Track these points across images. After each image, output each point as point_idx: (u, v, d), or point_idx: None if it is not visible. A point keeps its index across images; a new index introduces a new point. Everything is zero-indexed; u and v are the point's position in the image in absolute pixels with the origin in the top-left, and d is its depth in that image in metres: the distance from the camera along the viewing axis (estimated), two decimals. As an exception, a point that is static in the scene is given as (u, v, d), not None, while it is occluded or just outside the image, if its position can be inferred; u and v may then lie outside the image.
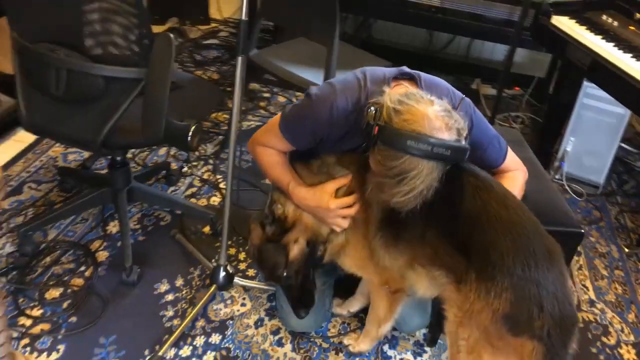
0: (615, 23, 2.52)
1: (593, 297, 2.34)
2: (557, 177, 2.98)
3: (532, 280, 1.39)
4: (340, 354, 1.96)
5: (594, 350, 2.12)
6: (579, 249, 2.57)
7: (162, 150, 2.82)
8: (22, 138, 2.77)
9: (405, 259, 1.57)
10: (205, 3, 4.13)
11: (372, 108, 1.39)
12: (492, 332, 1.41)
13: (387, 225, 1.57)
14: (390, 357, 1.98)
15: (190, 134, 1.88)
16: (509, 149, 1.75)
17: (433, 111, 1.36)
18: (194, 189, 2.61)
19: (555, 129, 2.97)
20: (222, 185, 2.63)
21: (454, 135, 1.37)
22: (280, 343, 1.97)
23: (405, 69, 1.63)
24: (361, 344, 1.95)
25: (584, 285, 2.40)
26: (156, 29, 3.78)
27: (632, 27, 2.47)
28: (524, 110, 3.64)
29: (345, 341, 1.98)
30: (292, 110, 1.63)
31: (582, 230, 1.88)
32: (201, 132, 1.96)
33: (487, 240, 1.44)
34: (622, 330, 2.21)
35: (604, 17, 2.57)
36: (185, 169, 2.72)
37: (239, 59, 1.65)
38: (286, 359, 1.92)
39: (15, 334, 1.86)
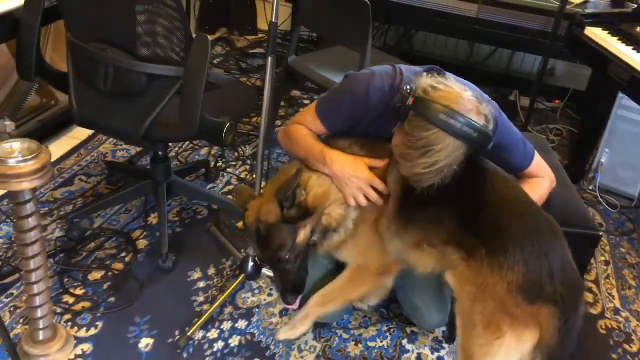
0: (650, 35, 2.54)
1: (618, 305, 2.35)
2: (590, 188, 2.99)
3: (541, 252, 1.49)
4: (359, 345, 2.04)
5: (614, 356, 2.13)
6: (607, 257, 2.59)
7: (204, 150, 2.98)
8: (77, 135, 2.98)
9: (414, 241, 1.65)
10: (253, 14, 4.31)
11: (408, 87, 1.51)
12: (509, 302, 1.48)
13: (402, 213, 1.65)
14: (409, 350, 2.05)
15: (224, 130, 2.02)
16: (537, 154, 1.82)
17: (467, 94, 1.47)
18: (230, 187, 2.75)
19: (590, 140, 2.98)
20: (258, 184, 2.76)
21: (482, 121, 1.46)
22: (302, 332, 2.07)
23: (437, 67, 1.71)
24: (301, 327, 1.88)
25: (609, 294, 2.40)
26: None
27: (666, 39, 2.49)
28: (562, 122, 3.65)
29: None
30: (329, 92, 1.77)
31: (600, 233, 1.92)
32: (235, 129, 2.09)
33: (496, 218, 1.55)
34: (646, 339, 2.21)
35: (638, 29, 2.59)
36: (220, 163, 2.88)
37: (269, 58, 1.78)
38: (307, 346, 2.02)
39: (58, 310, 2.01)
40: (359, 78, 1.72)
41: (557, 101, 3.83)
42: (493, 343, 1.50)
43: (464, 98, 1.46)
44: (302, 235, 1.69)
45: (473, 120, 1.43)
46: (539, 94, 3.82)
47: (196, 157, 2.93)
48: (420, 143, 1.42)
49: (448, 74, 1.66)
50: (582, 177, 3.03)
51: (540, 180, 1.80)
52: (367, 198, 1.70)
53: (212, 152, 2.97)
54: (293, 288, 1.77)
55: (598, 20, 2.67)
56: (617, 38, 2.53)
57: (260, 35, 4.33)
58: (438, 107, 1.43)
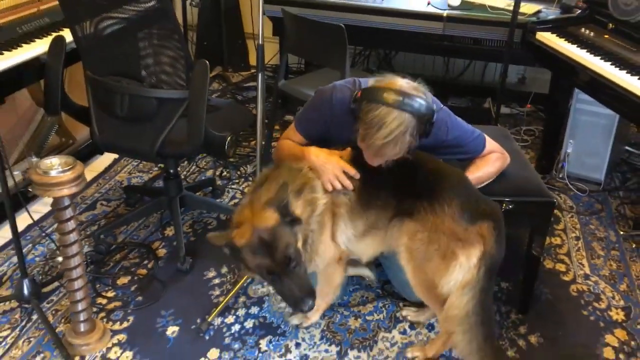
0: (592, 34, 2.88)
1: (588, 272, 2.63)
2: (560, 176, 3.30)
3: (465, 188, 1.98)
4: (359, 319, 2.33)
5: (585, 312, 2.40)
6: (578, 234, 2.88)
7: (209, 172, 3.31)
8: (95, 167, 3.32)
9: (365, 228, 2.03)
10: (245, 52, 4.68)
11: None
12: (457, 230, 1.87)
13: (360, 203, 2.00)
14: (402, 321, 2.33)
15: (227, 143, 2.35)
16: (487, 138, 2.15)
17: (403, 81, 1.85)
18: (235, 200, 3.06)
19: (555, 134, 3.30)
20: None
21: (422, 96, 1.82)
22: (308, 312, 2.35)
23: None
24: (313, 317, 2.27)
25: (580, 263, 2.68)
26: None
27: (606, 36, 2.83)
28: (535, 124, 3.98)
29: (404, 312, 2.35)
30: (303, 107, 2.13)
31: (554, 200, 2.23)
32: (236, 144, 2.43)
33: (428, 182, 1.96)
34: (613, 297, 2.48)
35: (582, 29, 2.94)
36: (225, 173, 3.27)
37: (259, 75, 2.12)
38: (313, 324, 2.30)
39: (94, 309, 2.31)
40: (324, 91, 2.08)
41: (529, 106, 4.17)
42: (450, 267, 1.87)
43: (402, 83, 1.83)
44: (299, 237, 1.86)
45: (412, 95, 1.78)
46: (513, 100, 4.18)
47: (203, 177, 3.26)
48: (375, 121, 1.76)
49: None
50: (552, 167, 3.34)
51: (488, 157, 2.14)
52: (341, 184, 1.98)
53: (217, 172, 3.30)
54: (308, 291, 1.86)
55: (547, 26, 3.03)
56: (564, 39, 2.88)
57: (252, 70, 4.70)
58: (380, 88, 1.81)
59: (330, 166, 1.96)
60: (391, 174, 1.91)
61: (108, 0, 2.22)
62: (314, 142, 2.10)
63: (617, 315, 2.39)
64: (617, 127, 3.10)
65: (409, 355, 2.16)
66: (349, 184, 1.97)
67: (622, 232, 2.88)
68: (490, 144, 2.17)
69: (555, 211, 3.04)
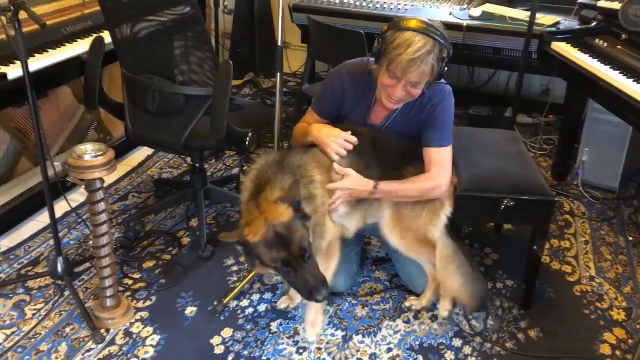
0: (605, 44, 2.97)
1: (594, 274, 2.70)
2: (574, 184, 3.37)
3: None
4: (366, 308, 2.46)
5: (586, 311, 2.48)
6: (587, 238, 2.95)
7: (235, 170, 3.49)
8: (129, 162, 3.55)
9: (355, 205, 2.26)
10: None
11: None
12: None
13: None
14: (407, 311, 2.45)
15: (248, 138, 2.52)
16: (448, 154, 2.23)
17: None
18: (258, 196, 3.23)
19: (569, 142, 3.38)
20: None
21: (442, 29, 2.07)
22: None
23: None
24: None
25: (587, 266, 2.76)
26: (236, 82, 4.61)
27: (619, 47, 2.91)
28: (556, 134, 4.04)
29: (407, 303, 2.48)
30: (319, 89, 2.36)
31: (555, 199, 2.33)
32: (258, 140, 2.60)
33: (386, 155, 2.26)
34: (616, 299, 2.55)
35: (597, 40, 3.02)
36: (245, 167, 3.46)
37: (278, 75, 2.29)
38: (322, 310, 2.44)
39: (120, 289, 2.49)
40: (334, 70, 2.33)
41: (551, 117, 4.24)
42: (441, 215, 2.22)
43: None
44: (310, 230, 1.98)
45: (434, 24, 2.03)
46: (536, 110, 4.26)
47: (229, 174, 3.45)
48: (402, 42, 1.98)
49: None
50: (567, 174, 3.41)
51: (425, 177, 2.21)
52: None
53: (244, 169, 3.50)
54: (322, 281, 1.93)
55: (563, 36, 3.13)
56: (577, 49, 2.97)
57: (284, 78, 4.89)
58: (405, 20, 2.05)
59: (333, 137, 2.17)
60: (373, 154, 2.24)
61: (145, 6, 2.43)
62: (329, 120, 2.30)
63: (619, 315, 2.45)
64: (631, 137, 3.15)
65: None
66: (350, 146, 2.18)
67: (631, 238, 2.94)
68: (445, 158, 2.22)
69: (567, 216, 3.13)
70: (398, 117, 2.30)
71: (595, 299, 2.55)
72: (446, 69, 2.08)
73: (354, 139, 2.18)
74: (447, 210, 2.27)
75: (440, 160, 2.20)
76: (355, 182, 2.16)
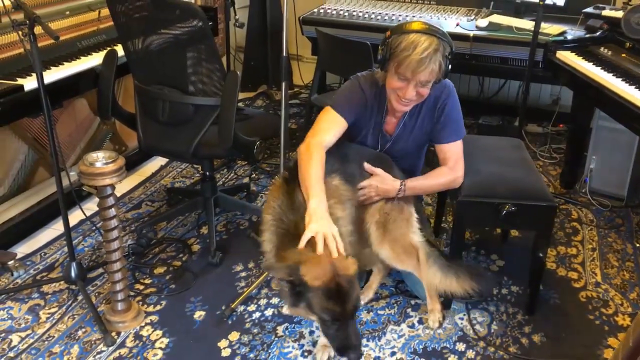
0: (610, 52, 2.99)
1: (600, 280, 2.71)
2: (583, 191, 3.38)
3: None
4: (371, 313, 2.49)
5: (591, 317, 2.49)
6: (594, 245, 2.96)
7: (246, 179, 3.56)
8: (143, 172, 3.63)
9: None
10: (289, 72, 4.96)
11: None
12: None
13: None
14: (412, 316, 2.48)
15: (255, 147, 2.59)
16: (461, 146, 2.35)
17: None
18: (268, 204, 3.30)
19: (577, 150, 3.40)
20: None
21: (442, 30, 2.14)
22: (324, 304, 2.54)
23: None
24: None
25: (593, 272, 2.77)
26: (249, 94, 4.69)
27: (624, 55, 2.94)
28: (564, 142, 4.06)
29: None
30: (337, 95, 2.40)
31: (556, 204, 2.35)
32: (265, 149, 2.66)
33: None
34: (622, 304, 2.56)
35: (602, 49, 3.05)
36: (254, 175, 3.55)
37: (283, 83, 2.36)
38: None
39: (131, 293, 2.56)
40: (352, 80, 2.36)
41: (561, 125, 4.25)
42: (413, 221, 2.28)
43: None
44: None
45: (435, 26, 2.11)
46: (546, 120, 4.27)
47: (239, 182, 3.52)
48: (408, 45, 2.05)
49: None
50: (575, 182, 3.43)
51: (444, 171, 2.34)
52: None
53: (253, 177, 3.57)
54: (360, 340, 1.90)
55: (568, 45, 3.16)
56: (581, 57, 3.01)
57: (295, 89, 4.98)
58: (406, 24, 2.12)
59: (325, 226, 1.94)
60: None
61: (157, 21, 2.51)
62: (347, 121, 2.28)
63: (624, 320, 2.46)
64: (638, 144, 3.16)
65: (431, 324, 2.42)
66: (330, 252, 1.89)
67: (638, 245, 2.95)
68: (457, 149, 2.35)
69: (575, 224, 3.15)
70: (407, 122, 2.36)
71: (601, 304, 2.56)
72: (450, 66, 2.14)
73: (335, 250, 1.89)
74: (414, 215, 2.33)
75: (457, 153, 2.33)
76: (383, 180, 2.27)
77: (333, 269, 1.82)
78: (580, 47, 3.13)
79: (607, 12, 3.11)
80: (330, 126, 2.26)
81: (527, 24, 3.52)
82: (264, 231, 2.12)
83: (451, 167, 2.33)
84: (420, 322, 2.45)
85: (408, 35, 2.06)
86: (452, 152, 2.33)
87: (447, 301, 2.48)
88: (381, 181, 2.27)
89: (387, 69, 2.16)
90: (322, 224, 1.92)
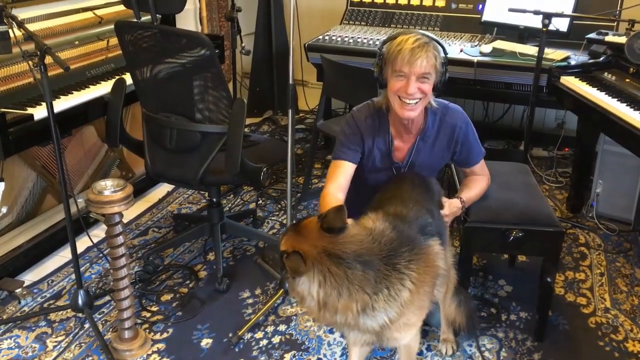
0: (614, 78, 3.01)
1: (609, 306, 2.69)
2: (589, 215, 3.38)
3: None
4: (379, 340, 2.48)
5: (601, 343, 2.47)
6: (602, 270, 2.95)
7: (252, 205, 3.57)
8: (150, 199, 3.65)
9: None
10: (295, 99, 5.00)
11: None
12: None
13: None
14: (420, 343, 2.46)
15: (262, 173, 2.60)
16: (483, 161, 2.42)
17: None
18: (274, 230, 3.30)
19: (583, 174, 3.40)
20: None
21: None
22: (331, 331, 2.52)
23: None
24: None
25: (602, 298, 2.75)
26: (254, 120, 4.72)
27: (627, 80, 2.96)
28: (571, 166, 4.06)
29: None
30: (336, 137, 2.38)
31: (563, 230, 2.35)
32: (271, 175, 2.67)
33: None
34: (631, 330, 2.54)
35: (605, 74, 3.07)
36: (260, 201, 3.55)
37: (290, 111, 2.38)
38: (335, 342, 2.47)
39: (138, 321, 2.56)
40: (345, 116, 2.42)
41: (567, 149, 4.26)
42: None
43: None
44: None
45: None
46: (551, 144, 4.28)
47: (246, 208, 3.53)
48: (399, 41, 2.10)
49: None
50: (582, 206, 3.42)
51: (481, 178, 2.45)
52: None
53: (259, 203, 3.57)
54: None
55: (572, 70, 3.18)
56: (585, 82, 3.02)
57: (301, 114, 5.01)
58: (395, 33, 2.15)
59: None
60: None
61: (164, 50, 2.54)
62: (355, 163, 2.28)
63: (634, 347, 2.44)
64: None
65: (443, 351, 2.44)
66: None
67: (647, 271, 2.94)
68: (482, 165, 2.46)
69: (583, 248, 3.13)
70: (420, 146, 2.30)
71: (610, 330, 2.54)
72: (447, 74, 2.18)
73: None
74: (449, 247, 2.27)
75: (483, 165, 2.46)
76: (452, 205, 2.32)
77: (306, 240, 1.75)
78: (584, 73, 3.15)
79: (610, 38, 3.13)
80: (337, 173, 2.27)
81: (531, 49, 3.55)
82: None
83: (484, 174, 2.46)
84: (428, 349, 2.44)
85: (397, 37, 2.13)
86: (479, 166, 2.44)
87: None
88: (449, 207, 2.31)
89: (386, 75, 2.17)
90: None
